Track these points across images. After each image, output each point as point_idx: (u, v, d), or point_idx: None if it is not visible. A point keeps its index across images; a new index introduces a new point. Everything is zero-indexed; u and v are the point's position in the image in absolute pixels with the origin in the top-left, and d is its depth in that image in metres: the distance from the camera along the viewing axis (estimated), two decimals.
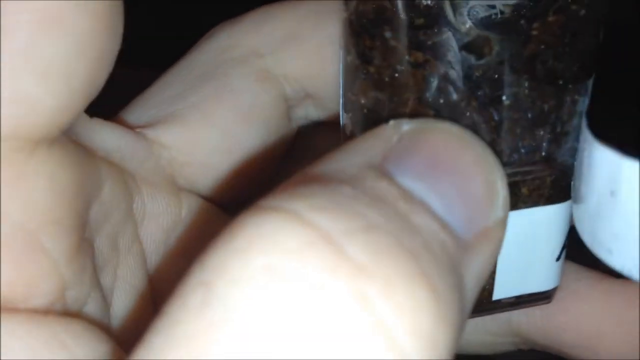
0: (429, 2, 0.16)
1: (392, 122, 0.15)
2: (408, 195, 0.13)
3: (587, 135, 0.16)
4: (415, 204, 0.13)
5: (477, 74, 0.16)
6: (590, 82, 0.18)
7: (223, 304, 0.11)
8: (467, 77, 0.16)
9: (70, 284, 0.16)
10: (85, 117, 0.18)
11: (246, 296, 0.11)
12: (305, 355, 0.11)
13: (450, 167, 0.14)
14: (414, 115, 0.17)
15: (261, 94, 0.21)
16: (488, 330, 0.23)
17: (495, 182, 0.15)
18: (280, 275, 0.11)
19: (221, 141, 0.20)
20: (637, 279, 0.15)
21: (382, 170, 0.14)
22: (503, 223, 0.15)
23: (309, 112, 0.22)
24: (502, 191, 0.15)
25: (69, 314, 0.16)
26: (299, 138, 0.23)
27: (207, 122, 0.20)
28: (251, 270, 0.11)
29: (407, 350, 0.11)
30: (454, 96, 0.17)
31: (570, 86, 0.17)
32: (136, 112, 0.21)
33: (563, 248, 0.20)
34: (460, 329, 0.13)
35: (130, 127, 0.20)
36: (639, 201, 0.14)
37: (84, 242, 0.17)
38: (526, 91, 0.17)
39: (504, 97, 0.17)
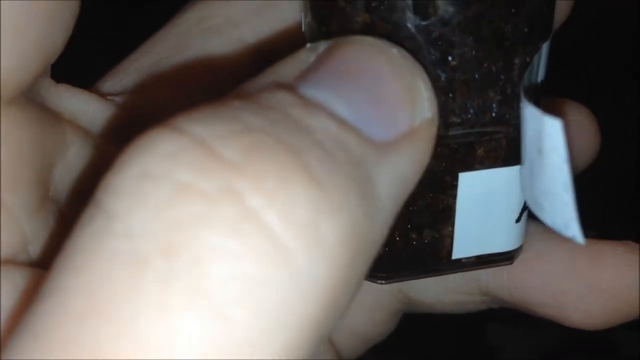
0: None
1: (309, 45, 0.15)
2: (305, 101, 0.13)
3: (521, 97, 0.16)
4: (312, 108, 0.13)
5: (422, 34, 0.16)
6: (545, 45, 0.18)
7: (106, 214, 0.12)
8: (412, 38, 0.16)
9: (32, 239, 0.16)
10: (51, 82, 0.18)
11: (123, 203, 0.12)
12: (173, 245, 0.11)
13: (360, 72, 0.14)
14: None
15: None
16: (458, 290, 0.23)
17: (415, 83, 0.14)
18: (151, 179, 0.12)
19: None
20: (565, 234, 0.15)
21: (286, 85, 0.13)
22: (431, 124, 0.14)
23: None
24: (425, 92, 0.14)
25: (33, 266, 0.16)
26: None
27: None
28: (128, 179, 0.12)
29: (283, 238, 0.11)
30: None
31: (519, 49, 0.17)
32: (111, 81, 0.21)
33: (523, 210, 0.19)
34: (368, 235, 0.12)
35: (103, 95, 0.20)
36: (559, 158, 0.14)
37: (48, 200, 0.17)
38: (473, 52, 0.16)
39: (450, 58, 0.16)
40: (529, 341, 0.53)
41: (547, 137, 0.14)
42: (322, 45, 0.14)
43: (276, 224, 0.11)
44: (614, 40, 0.49)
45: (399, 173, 0.14)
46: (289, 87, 0.13)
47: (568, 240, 0.21)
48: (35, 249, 0.16)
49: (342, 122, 0.13)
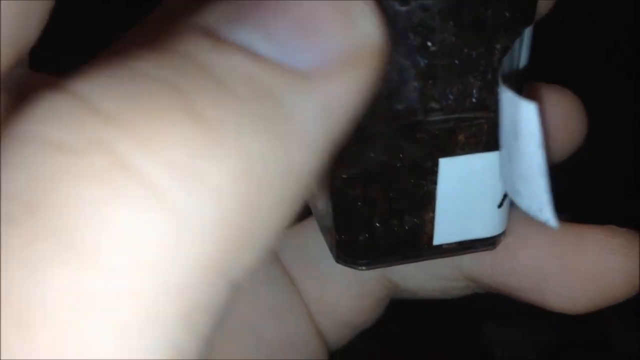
0: None
1: None
2: (216, 41, 0.12)
3: (499, 82, 0.16)
4: (225, 48, 0.12)
5: (402, 20, 0.16)
6: (527, 31, 0.17)
7: None
8: (392, 23, 0.16)
9: None
10: (28, 72, 0.18)
11: None
12: (38, 201, 0.11)
13: (284, 4, 0.13)
14: None
15: None
16: (441, 275, 0.22)
17: (349, 4, 0.13)
18: (21, 140, 0.11)
19: None
20: (540, 219, 0.15)
21: (209, 29, 0.13)
22: (376, 46, 0.13)
23: None
24: (365, 12, 0.13)
25: None
26: None
27: None
28: (5, 142, 0.11)
29: (155, 180, 0.11)
30: None
31: (500, 34, 0.17)
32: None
33: (506, 195, 0.19)
34: (282, 166, 0.12)
35: None
36: (534, 142, 0.14)
37: None
38: (453, 38, 0.16)
39: (429, 44, 0.16)
40: (525, 339, 0.53)
41: (523, 121, 0.14)
42: None
43: (147, 166, 0.11)
44: (608, 39, 0.49)
45: (329, 101, 0.12)
46: (211, 29, 0.12)
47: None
48: None
49: (257, 57, 0.12)
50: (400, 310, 0.26)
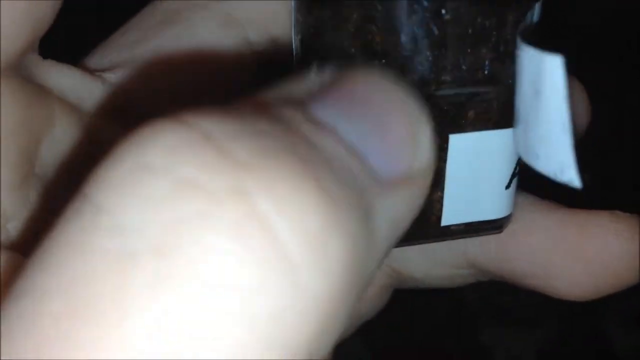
0: None
1: (315, 68, 0.14)
2: (315, 120, 0.12)
3: (518, 43, 0.15)
4: (322, 128, 0.12)
5: None
6: (537, 5, 0.17)
7: (94, 207, 0.11)
8: None
9: (12, 216, 0.16)
10: (39, 58, 0.18)
11: (114, 196, 0.11)
12: (167, 244, 0.10)
13: (369, 103, 0.13)
14: (357, 31, 0.17)
15: (223, 39, 0.20)
16: (445, 263, 0.22)
17: (420, 127, 0.13)
18: (149, 171, 0.11)
19: (180, 87, 0.20)
20: (561, 180, 0.14)
21: (296, 102, 0.13)
22: (428, 172, 0.14)
23: (273, 57, 0.22)
24: (427, 139, 0.14)
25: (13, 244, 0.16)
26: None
27: (166, 67, 0.20)
28: (121, 171, 0.11)
29: (289, 247, 0.10)
30: (395, 11, 0.16)
31: (513, 4, 0.16)
32: (97, 56, 0.20)
33: (513, 176, 0.19)
34: (365, 262, 0.12)
35: (91, 71, 0.20)
36: (559, 96, 0.13)
37: (32, 177, 0.16)
38: (466, 6, 0.16)
39: (443, 11, 0.16)
40: (524, 340, 0.53)
41: (547, 76, 0.13)
42: (329, 70, 0.14)
43: (284, 231, 0.10)
44: (620, 39, 0.49)
45: (394, 213, 0.13)
46: (300, 104, 0.13)
47: (555, 211, 0.21)
48: (15, 225, 0.16)
49: (350, 147, 0.12)
50: (398, 311, 0.25)
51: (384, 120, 0.13)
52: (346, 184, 0.12)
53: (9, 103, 0.15)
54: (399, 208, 0.13)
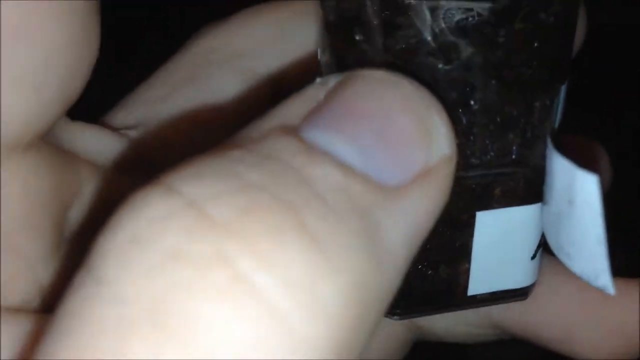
0: (406, 0, 0.15)
1: (319, 80, 0.14)
2: (308, 148, 0.12)
3: (549, 144, 0.15)
4: (316, 156, 0.12)
5: (444, 78, 0.16)
6: (563, 88, 0.17)
7: (95, 279, 0.11)
8: (434, 81, 0.16)
9: (47, 284, 0.16)
10: (67, 120, 0.18)
11: (112, 268, 0.11)
12: (162, 313, 0.11)
13: (369, 111, 0.13)
14: None
15: (247, 95, 0.20)
16: (469, 323, 0.22)
17: (430, 117, 0.13)
18: (140, 244, 0.11)
19: (198, 139, 0.20)
20: (595, 284, 0.14)
21: (291, 129, 0.13)
22: (449, 161, 0.13)
23: None
24: (441, 128, 0.13)
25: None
26: None
27: (192, 125, 0.20)
28: (117, 243, 0.11)
29: (276, 301, 0.11)
30: None
31: (540, 92, 0.17)
32: (121, 114, 0.20)
33: (539, 247, 0.19)
34: (377, 288, 0.12)
35: (115, 130, 0.20)
36: (594, 212, 0.13)
37: (64, 243, 0.16)
38: (494, 96, 0.16)
39: (472, 102, 0.16)
40: (510, 354, 0.52)
41: (580, 190, 0.13)
42: (332, 81, 0.14)
43: (268, 286, 0.11)
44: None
45: (412, 217, 0.13)
46: (293, 131, 0.13)
47: None
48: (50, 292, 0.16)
49: (348, 170, 0.12)
50: None
51: (387, 124, 0.13)
52: (344, 213, 0.12)
53: (42, 174, 0.15)
54: (417, 209, 0.13)
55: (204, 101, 0.20)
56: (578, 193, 0.14)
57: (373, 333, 0.12)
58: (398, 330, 0.23)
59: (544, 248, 0.20)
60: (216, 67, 0.20)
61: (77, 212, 0.17)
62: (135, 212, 0.11)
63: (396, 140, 0.13)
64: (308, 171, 0.12)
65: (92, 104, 0.19)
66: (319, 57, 0.18)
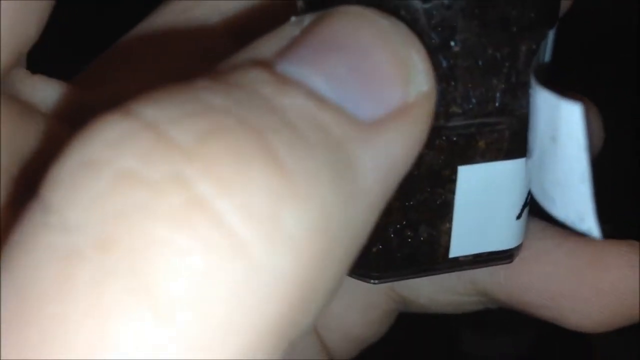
0: None
1: (294, 18, 0.13)
2: (279, 79, 0.11)
3: (532, 81, 0.14)
4: (288, 85, 0.11)
5: (424, 19, 0.15)
6: (551, 32, 0.16)
7: (43, 207, 0.10)
8: (413, 21, 0.15)
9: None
10: (27, 73, 0.17)
11: (60, 194, 0.10)
12: (111, 238, 0.10)
13: (345, 45, 0.12)
14: None
15: (221, 47, 0.19)
16: (453, 290, 0.21)
17: (408, 54, 0.12)
18: (91, 167, 0.10)
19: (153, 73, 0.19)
20: (579, 229, 0.13)
21: (264, 62, 0.12)
22: (428, 98, 0.13)
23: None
24: (419, 64, 0.13)
25: None
26: None
27: (157, 75, 0.19)
28: (67, 168, 0.10)
29: (237, 229, 0.10)
30: None
31: (525, 34, 0.15)
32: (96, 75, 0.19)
33: (524, 206, 0.18)
34: (348, 223, 0.11)
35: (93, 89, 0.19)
36: (577, 145, 0.12)
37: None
38: (477, 37, 0.15)
39: (452, 43, 0.15)
40: (505, 350, 0.52)
41: (564, 123, 0.12)
42: (308, 19, 0.13)
43: (229, 213, 0.10)
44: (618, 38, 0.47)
45: (388, 154, 0.12)
46: (266, 64, 0.12)
47: (568, 239, 0.20)
48: None
49: (321, 100, 0.11)
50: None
51: (364, 58, 0.12)
52: (314, 143, 0.11)
53: None
54: (394, 145, 0.12)
55: (185, 61, 0.19)
56: (561, 126, 0.12)
57: (342, 276, 0.11)
58: (379, 299, 0.22)
59: (530, 210, 0.19)
60: (189, 25, 0.19)
61: (30, 163, 0.16)
62: (90, 135, 0.11)
63: (372, 75, 0.12)
64: (279, 99, 0.11)
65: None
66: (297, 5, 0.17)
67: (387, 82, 0.12)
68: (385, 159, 0.12)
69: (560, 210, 0.13)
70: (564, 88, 0.19)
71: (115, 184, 0.10)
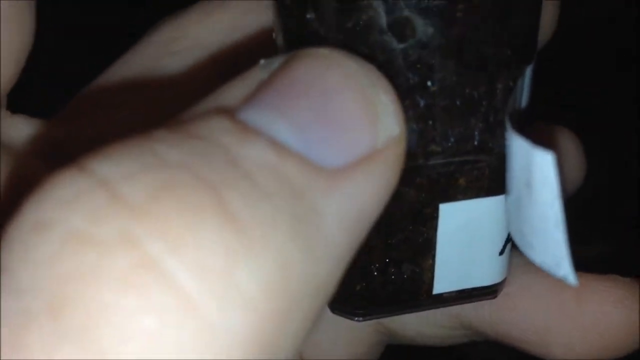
0: None
1: (262, 61, 0.13)
2: (242, 127, 0.11)
3: (508, 125, 0.14)
4: (249, 135, 0.11)
5: (400, 59, 0.14)
6: (529, 69, 0.16)
7: (1, 269, 0.10)
8: (389, 61, 0.14)
9: None
10: (7, 113, 0.17)
11: (13, 256, 0.10)
12: (60, 302, 0.09)
13: (310, 89, 0.12)
14: None
15: (206, 88, 0.19)
16: (439, 324, 0.21)
17: (376, 96, 0.12)
18: (42, 228, 0.10)
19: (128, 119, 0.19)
20: (556, 275, 0.13)
21: (227, 110, 0.11)
22: (398, 142, 0.12)
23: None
24: (389, 105, 0.12)
25: None
26: None
27: (140, 117, 0.18)
28: (21, 229, 0.10)
29: (186, 288, 0.09)
30: None
31: (502, 72, 0.15)
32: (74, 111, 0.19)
33: (507, 242, 0.18)
34: (311, 277, 0.10)
35: (71, 123, 0.18)
36: (550, 192, 0.12)
37: None
38: (454, 77, 0.15)
39: (429, 84, 0.15)
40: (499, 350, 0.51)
41: (537, 170, 0.12)
42: (276, 61, 0.12)
43: (178, 271, 0.09)
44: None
45: (355, 202, 0.11)
46: (229, 111, 0.11)
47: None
48: None
49: (283, 149, 0.11)
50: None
51: (330, 102, 0.12)
52: (272, 194, 0.10)
53: None
54: (361, 193, 0.12)
55: (158, 93, 0.19)
56: (535, 173, 0.12)
57: (309, 331, 0.11)
58: (366, 332, 0.22)
59: (513, 245, 0.19)
60: (173, 59, 0.19)
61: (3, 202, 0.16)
62: (42, 194, 0.10)
63: (337, 119, 0.12)
64: (237, 150, 0.11)
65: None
66: (275, 40, 0.17)
67: (354, 126, 0.12)
68: (352, 207, 0.11)
69: (537, 255, 0.13)
70: (540, 123, 0.19)
71: (65, 244, 0.10)
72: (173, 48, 0.19)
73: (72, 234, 0.10)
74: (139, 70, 0.19)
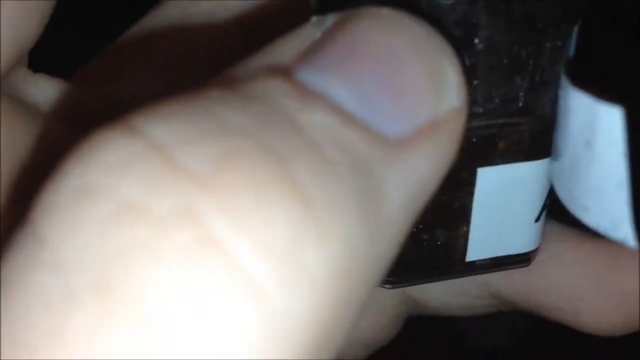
0: None
1: (314, 18, 0.12)
2: (302, 90, 0.10)
3: (564, 81, 0.13)
4: (310, 99, 0.10)
5: (447, 14, 0.14)
6: (575, 29, 0.15)
7: (36, 240, 0.09)
8: (436, 18, 0.14)
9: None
10: (28, 72, 0.16)
11: (55, 227, 0.09)
12: (109, 281, 0.09)
13: (371, 53, 0.11)
14: None
15: (227, 46, 0.18)
16: (466, 293, 0.20)
17: (441, 65, 0.11)
18: (89, 196, 0.09)
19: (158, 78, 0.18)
20: (613, 237, 0.13)
21: (282, 69, 0.11)
22: (459, 114, 0.11)
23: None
24: (453, 76, 0.11)
25: None
26: None
27: (164, 76, 0.18)
28: (62, 195, 0.09)
29: (252, 271, 0.09)
30: None
31: (551, 31, 0.15)
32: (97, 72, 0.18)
33: (543, 208, 0.17)
34: (372, 257, 0.10)
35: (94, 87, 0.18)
36: (616, 151, 0.11)
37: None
38: (502, 35, 0.14)
39: (476, 41, 0.14)
40: (496, 323, 0.51)
41: (602, 128, 0.12)
42: (330, 19, 0.12)
43: (244, 252, 0.09)
44: None
45: (416, 176, 0.11)
46: (285, 72, 0.11)
47: (585, 242, 0.19)
48: None
49: (347, 117, 0.10)
50: None
51: (393, 68, 0.11)
52: (338, 168, 0.10)
53: None
54: (422, 166, 0.11)
55: (178, 53, 0.18)
56: (598, 131, 0.12)
57: (362, 309, 0.10)
58: (390, 303, 0.21)
59: (548, 212, 0.18)
60: (192, 20, 0.18)
61: (30, 164, 0.15)
62: (87, 157, 0.09)
63: (402, 88, 0.11)
64: (301, 116, 0.10)
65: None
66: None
67: (418, 96, 0.11)
68: (412, 182, 0.11)
69: (592, 217, 0.13)
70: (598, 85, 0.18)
71: (115, 217, 0.09)
72: (195, 9, 0.19)
73: (124, 204, 0.09)
74: (160, 30, 0.19)
